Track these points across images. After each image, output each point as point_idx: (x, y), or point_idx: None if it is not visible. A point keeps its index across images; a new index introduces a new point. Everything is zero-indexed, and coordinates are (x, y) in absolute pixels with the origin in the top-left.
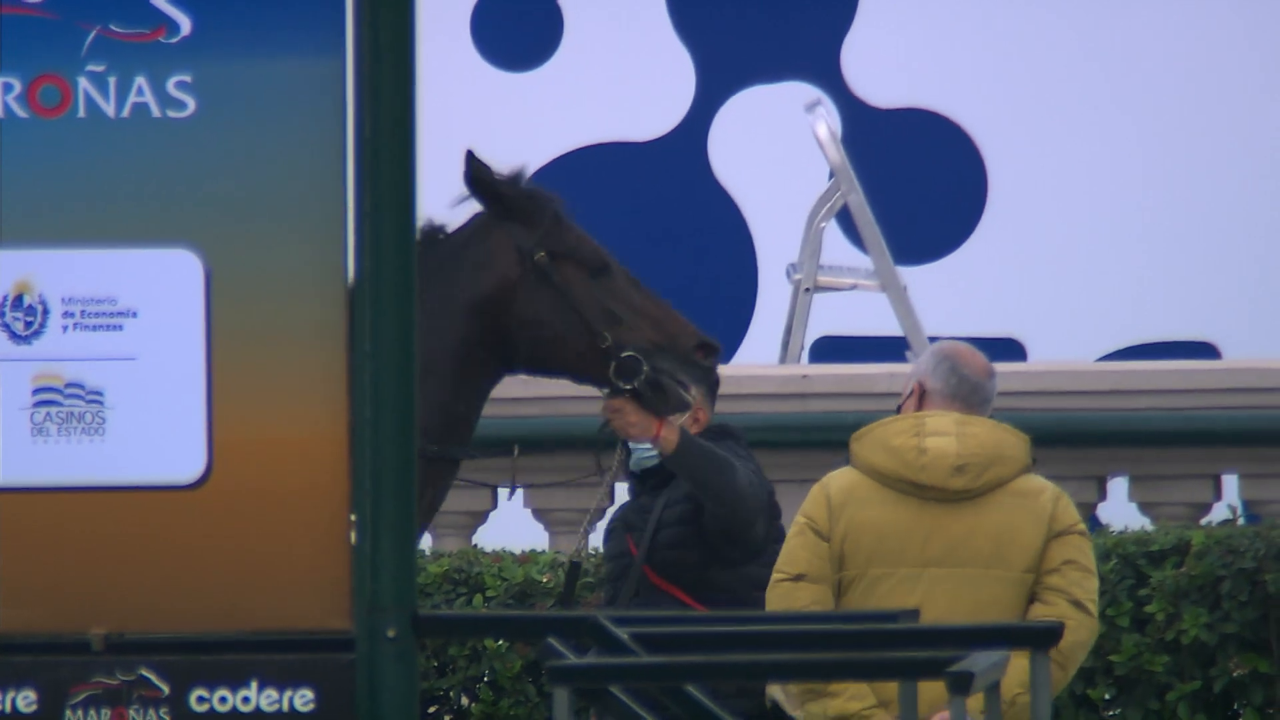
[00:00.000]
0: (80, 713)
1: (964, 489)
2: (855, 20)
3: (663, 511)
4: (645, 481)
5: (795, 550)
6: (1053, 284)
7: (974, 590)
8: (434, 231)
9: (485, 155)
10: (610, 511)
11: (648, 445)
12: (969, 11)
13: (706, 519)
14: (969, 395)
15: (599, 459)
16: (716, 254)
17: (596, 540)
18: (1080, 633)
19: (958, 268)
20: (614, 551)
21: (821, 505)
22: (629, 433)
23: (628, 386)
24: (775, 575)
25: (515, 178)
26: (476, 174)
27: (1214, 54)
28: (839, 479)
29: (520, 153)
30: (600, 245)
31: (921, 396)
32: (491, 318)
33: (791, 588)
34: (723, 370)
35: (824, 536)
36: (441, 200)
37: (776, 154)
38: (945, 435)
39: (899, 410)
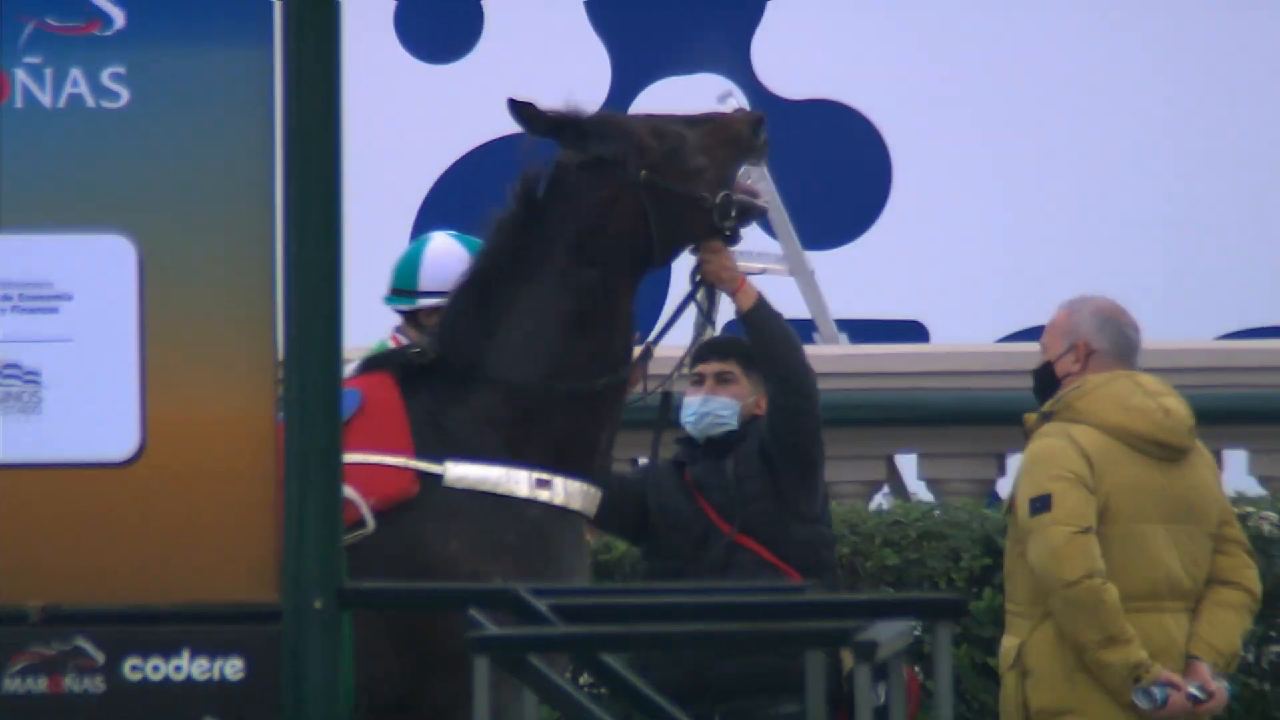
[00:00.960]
0: (19, 681)
1: (1189, 446)
2: (764, 15)
3: (736, 467)
4: (710, 448)
5: (1077, 504)
6: (954, 268)
7: (1192, 545)
8: (530, 191)
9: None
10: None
11: (724, 412)
12: (873, 7)
13: (773, 419)
14: (1132, 353)
15: None
16: None
17: None
18: (1257, 579)
19: (863, 252)
20: (680, 508)
21: (1080, 461)
22: (720, 277)
23: (729, 224)
24: (1064, 528)
25: (576, 114)
26: (536, 121)
27: (1107, 44)
28: (1083, 436)
29: (443, 142)
30: (661, 120)
31: (1088, 356)
32: (632, 251)
33: (1088, 540)
34: (638, 352)
35: (1092, 490)
36: (366, 186)
37: None
38: (1170, 395)
39: (1050, 369)
